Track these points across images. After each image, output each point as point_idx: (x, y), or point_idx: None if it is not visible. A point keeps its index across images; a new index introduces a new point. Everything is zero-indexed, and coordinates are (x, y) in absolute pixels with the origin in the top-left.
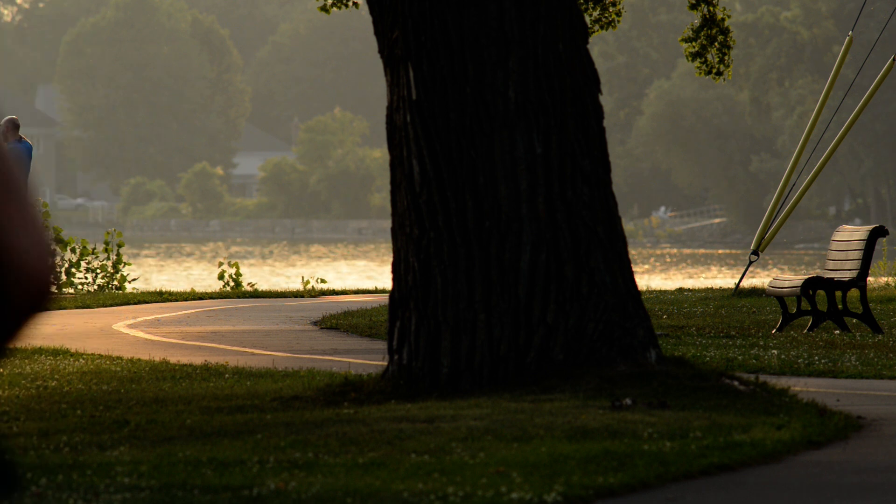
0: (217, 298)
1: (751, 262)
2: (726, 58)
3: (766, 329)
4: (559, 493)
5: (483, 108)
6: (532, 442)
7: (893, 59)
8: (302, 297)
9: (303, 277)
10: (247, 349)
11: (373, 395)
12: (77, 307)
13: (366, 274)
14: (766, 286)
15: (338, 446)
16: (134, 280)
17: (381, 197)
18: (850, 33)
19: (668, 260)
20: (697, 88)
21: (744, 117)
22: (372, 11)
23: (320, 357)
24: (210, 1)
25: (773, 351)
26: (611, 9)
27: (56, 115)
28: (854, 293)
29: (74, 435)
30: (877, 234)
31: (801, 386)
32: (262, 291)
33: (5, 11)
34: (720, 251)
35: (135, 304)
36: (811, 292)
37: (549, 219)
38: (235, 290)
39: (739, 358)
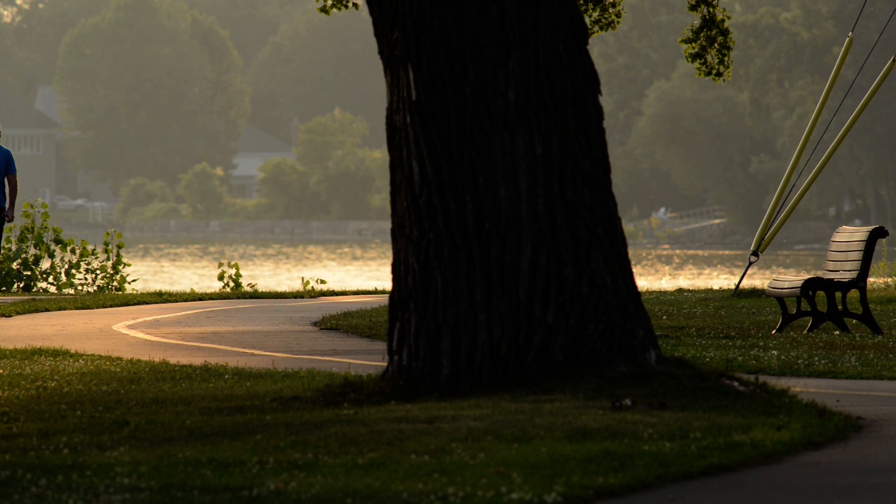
0: (217, 299)
1: (751, 263)
2: (726, 59)
3: (766, 330)
4: (559, 493)
5: (483, 108)
6: (532, 442)
7: (893, 60)
8: (301, 297)
9: (303, 278)
10: (246, 350)
11: (373, 396)
12: (77, 308)
13: (366, 275)
14: (765, 287)
15: (337, 447)
16: (134, 281)
17: (381, 198)
18: (850, 34)
19: (675, 261)
20: (697, 89)
21: (743, 118)
22: (372, 12)
23: (320, 358)
24: (210, 2)
25: (773, 352)
26: (611, 10)
27: (56, 115)
28: (854, 294)
29: (74, 436)
30: (876, 234)
31: (801, 386)
32: (261, 292)
33: (5, 12)
34: (720, 252)
35: (134, 304)
36: (811, 293)
37: (549, 220)
38: (235, 291)
39: (739, 358)
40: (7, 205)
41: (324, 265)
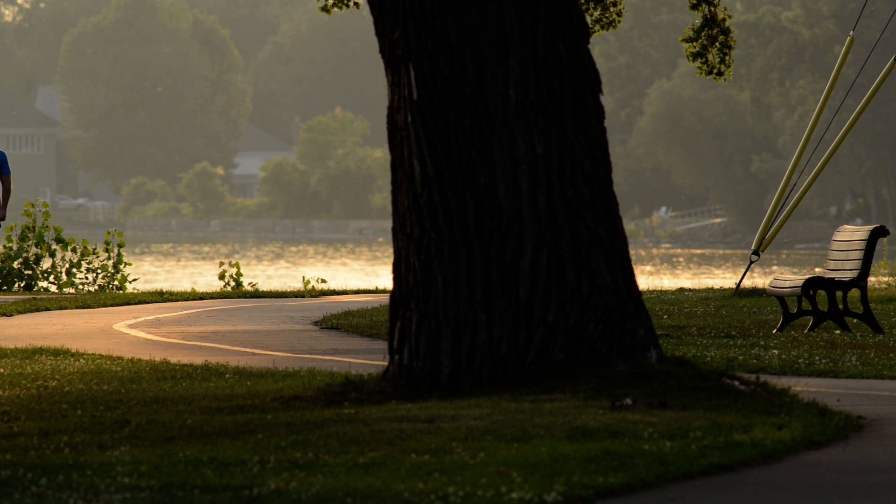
0: (217, 298)
1: (751, 263)
2: (727, 58)
3: (767, 329)
4: (559, 492)
5: (483, 108)
6: (532, 442)
7: (894, 60)
8: (302, 296)
9: (303, 277)
10: (247, 349)
11: (373, 395)
12: (78, 307)
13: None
14: (766, 286)
15: (338, 446)
16: (135, 280)
17: (381, 197)
18: (851, 33)
19: (676, 261)
20: (698, 88)
21: (744, 117)
22: (373, 11)
23: (321, 357)
24: (211, 1)
25: (774, 351)
26: (612, 9)
27: (57, 115)
28: (855, 293)
29: (75, 435)
30: (877, 234)
31: (802, 386)
32: (262, 291)
33: (6, 11)
34: (721, 251)
35: (135, 304)
36: (812, 292)
37: (550, 219)
38: (236, 290)
39: (740, 358)
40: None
41: (325, 264)
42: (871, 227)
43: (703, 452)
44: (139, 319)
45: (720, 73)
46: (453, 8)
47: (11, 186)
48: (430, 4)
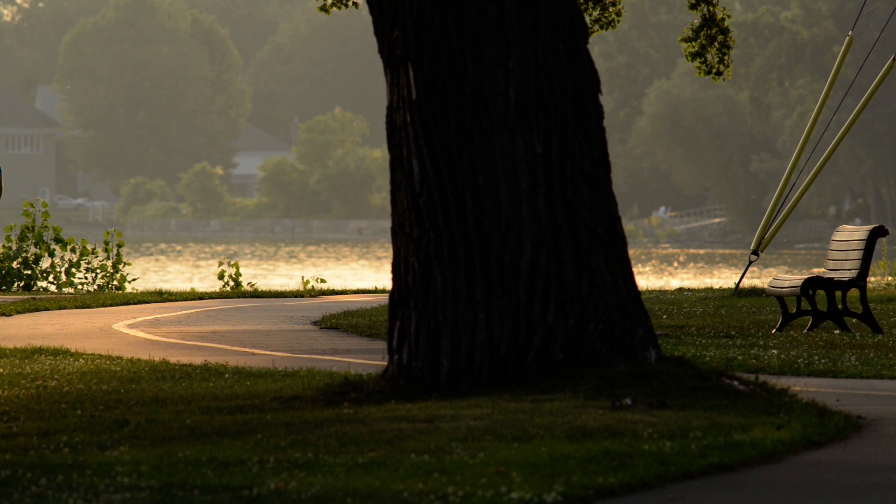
0: (217, 298)
1: (751, 262)
2: (726, 58)
3: (766, 329)
4: (559, 492)
5: (483, 108)
6: (532, 442)
7: (893, 59)
8: (302, 296)
9: (303, 277)
10: (247, 349)
11: (373, 395)
12: (77, 307)
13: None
14: (766, 286)
15: (338, 446)
16: (134, 280)
17: (381, 197)
18: (850, 33)
19: (676, 263)
20: (697, 88)
21: (744, 117)
22: (372, 11)
23: (320, 357)
24: (210, 1)
25: (773, 351)
26: (611, 9)
27: (56, 115)
28: (854, 293)
29: (74, 435)
30: (877, 233)
31: (801, 386)
32: (261, 291)
33: (5, 11)
34: (720, 251)
35: (134, 304)
36: (811, 292)
37: (549, 219)
38: (235, 290)
39: (739, 358)
40: None
41: (324, 264)
42: (870, 227)
43: (703, 452)
44: (138, 319)
45: (719, 73)
46: (454, 8)
47: (2, 186)
48: (429, 4)
